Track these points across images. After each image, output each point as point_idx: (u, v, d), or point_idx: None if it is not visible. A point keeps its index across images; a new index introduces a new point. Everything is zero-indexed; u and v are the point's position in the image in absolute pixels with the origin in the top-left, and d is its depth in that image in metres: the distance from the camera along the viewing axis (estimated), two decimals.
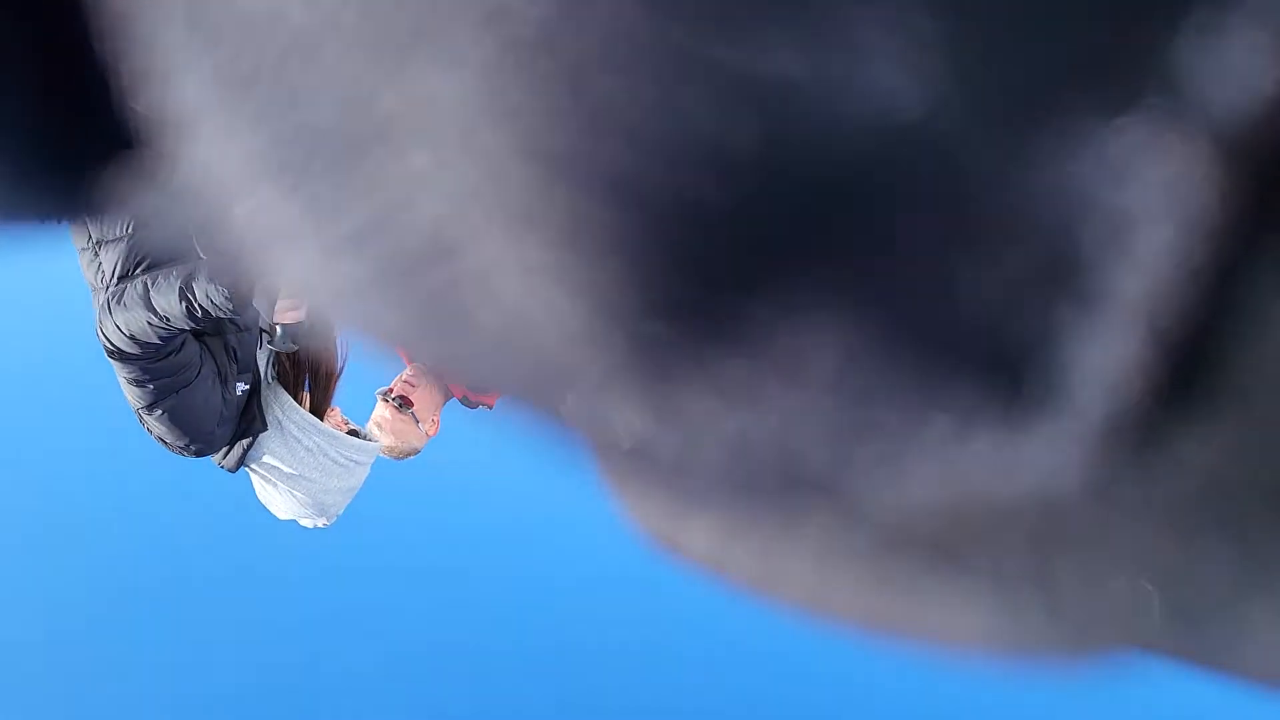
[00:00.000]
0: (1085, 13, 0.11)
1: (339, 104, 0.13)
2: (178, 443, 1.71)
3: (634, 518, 0.18)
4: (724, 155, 0.12)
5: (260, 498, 1.87)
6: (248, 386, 1.78)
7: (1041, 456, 0.13)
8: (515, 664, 3.29)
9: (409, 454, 1.93)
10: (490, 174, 0.12)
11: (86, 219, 1.64)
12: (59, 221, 0.19)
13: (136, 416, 1.69)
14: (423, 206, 0.13)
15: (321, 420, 1.84)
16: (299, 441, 1.80)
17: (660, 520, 0.18)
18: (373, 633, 3.35)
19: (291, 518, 1.86)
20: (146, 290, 1.55)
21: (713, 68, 0.11)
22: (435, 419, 1.91)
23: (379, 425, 1.90)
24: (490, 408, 1.88)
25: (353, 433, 1.86)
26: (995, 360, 0.13)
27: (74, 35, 0.16)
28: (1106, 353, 0.13)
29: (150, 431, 1.70)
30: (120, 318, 1.56)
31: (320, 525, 1.88)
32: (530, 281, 0.13)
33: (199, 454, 1.76)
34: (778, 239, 0.12)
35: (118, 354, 1.59)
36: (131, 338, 1.57)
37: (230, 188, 0.15)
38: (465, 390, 1.83)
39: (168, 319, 1.55)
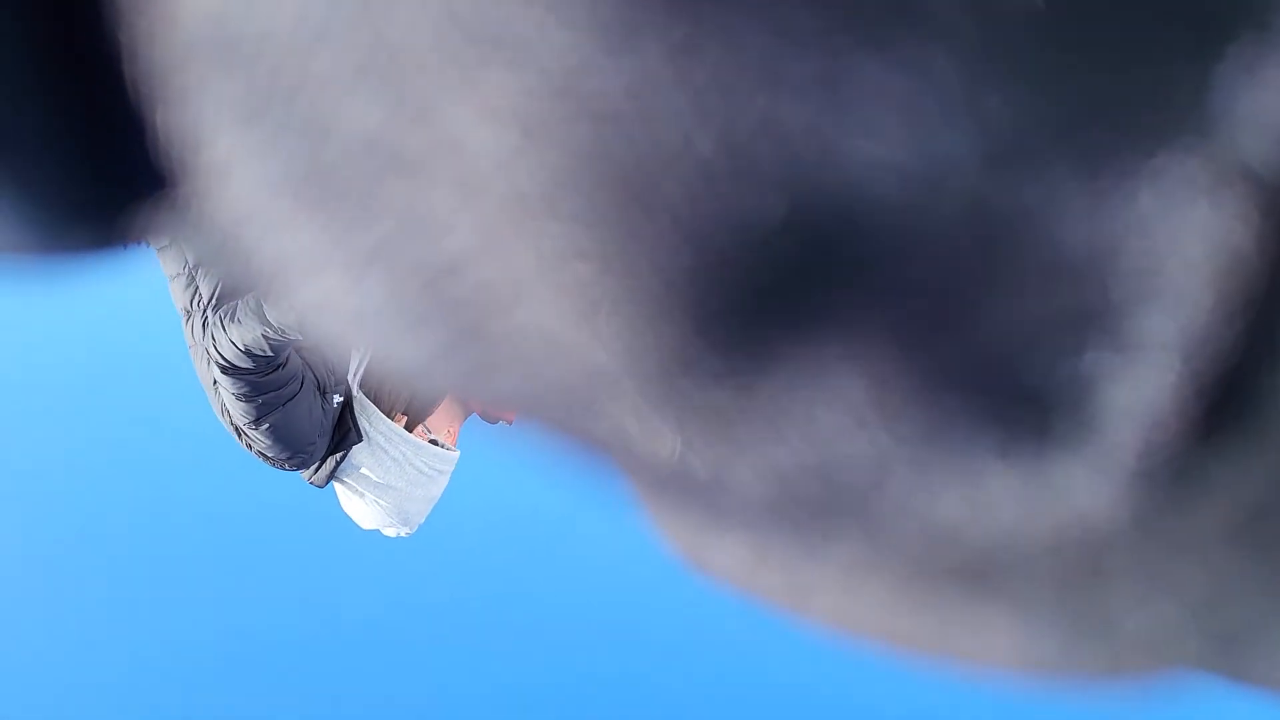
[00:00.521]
0: (1118, 51, 0.11)
1: (364, 138, 0.13)
2: (280, 456, 1.74)
3: (663, 533, 0.18)
4: (756, 197, 0.12)
5: (345, 509, 1.91)
6: (343, 398, 1.83)
7: (1073, 490, 0.13)
8: (532, 683, 3.28)
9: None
10: (521, 211, 0.13)
11: (184, 245, 1.71)
12: (104, 252, 0.20)
13: (236, 434, 1.73)
14: (446, 234, 0.13)
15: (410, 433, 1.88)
16: (386, 452, 1.84)
17: (690, 537, 0.18)
18: (387, 650, 3.37)
19: (375, 528, 1.90)
20: (260, 304, 1.59)
21: (738, 113, 0.12)
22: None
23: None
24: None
25: (432, 442, 1.90)
26: (1026, 396, 0.13)
27: (109, 66, 0.16)
28: (1140, 391, 0.13)
29: (251, 447, 1.73)
30: (234, 332, 1.60)
31: (403, 534, 1.92)
32: (563, 303, 0.13)
33: (298, 467, 1.80)
34: (814, 276, 0.12)
35: (230, 369, 1.62)
36: (246, 351, 1.60)
37: (247, 209, 0.15)
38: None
39: (282, 330, 1.59)
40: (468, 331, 0.14)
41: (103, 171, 0.18)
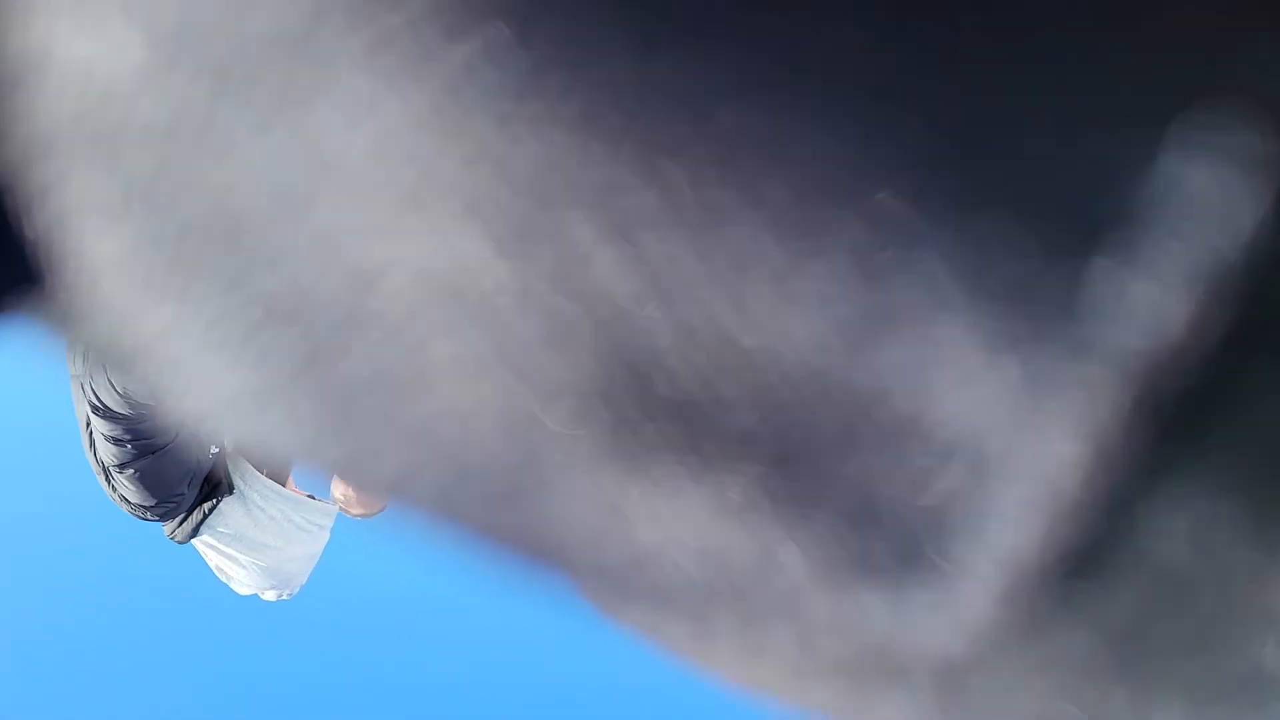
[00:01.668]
0: (996, 240, 0.12)
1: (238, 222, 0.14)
2: (144, 503, 1.64)
3: (612, 618, 0.18)
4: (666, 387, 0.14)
5: (219, 573, 1.81)
6: (219, 449, 1.73)
7: (934, 617, 0.14)
8: None
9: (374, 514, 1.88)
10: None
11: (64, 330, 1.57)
12: None
13: (104, 475, 1.63)
14: (319, 315, 0.14)
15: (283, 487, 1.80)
16: (262, 510, 1.76)
17: (639, 619, 0.18)
18: None
19: (253, 592, 1.81)
20: None
21: (680, 298, 0.13)
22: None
23: (343, 497, 1.85)
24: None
25: (309, 498, 1.83)
26: (889, 529, 0.14)
27: None
28: (1000, 539, 0.13)
29: (115, 491, 1.63)
30: (116, 375, 1.51)
31: (284, 597, 1.83)
32: (478, 388, 0.14)
33: (162, 518, 1.69)
34: (714, 408, 0.14)
35: (105, 412, 1.54)
36: (125, 395, 1.52)
37: (118, 298, 0.15)
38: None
39: None
40: (361, 418, 0.15)
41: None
